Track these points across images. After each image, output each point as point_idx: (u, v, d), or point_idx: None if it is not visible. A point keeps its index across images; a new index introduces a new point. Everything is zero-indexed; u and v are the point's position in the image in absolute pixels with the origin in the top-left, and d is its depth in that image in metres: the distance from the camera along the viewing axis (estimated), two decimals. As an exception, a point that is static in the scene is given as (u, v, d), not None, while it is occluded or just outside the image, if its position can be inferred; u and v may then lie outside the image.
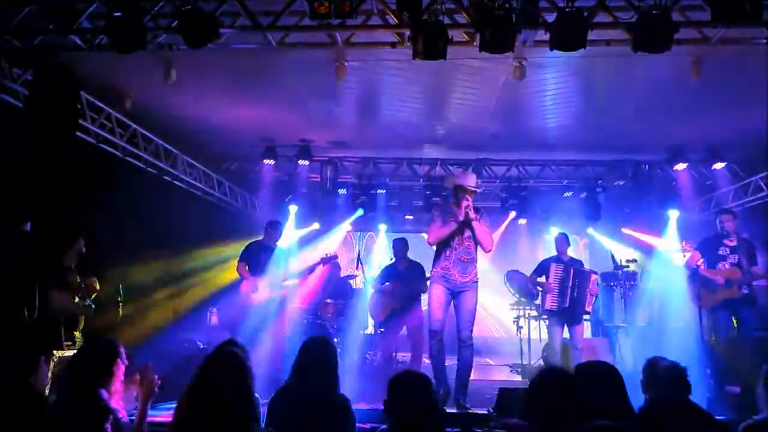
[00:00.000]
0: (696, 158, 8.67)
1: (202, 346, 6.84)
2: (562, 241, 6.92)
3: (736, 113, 6.92)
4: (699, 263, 6.06)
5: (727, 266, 5.91)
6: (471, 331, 5.35)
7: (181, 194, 8.55)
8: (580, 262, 7.10)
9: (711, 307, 5.91)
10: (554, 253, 6.95)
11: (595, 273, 6.78)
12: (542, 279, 6.82)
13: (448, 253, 5.31)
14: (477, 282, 5.37)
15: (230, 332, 6.32)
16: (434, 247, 5.47)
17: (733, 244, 5.94)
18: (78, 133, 6.35)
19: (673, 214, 9.21)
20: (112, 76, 6.27)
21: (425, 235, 5.56)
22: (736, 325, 5.81)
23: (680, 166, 8.64)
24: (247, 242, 6.99)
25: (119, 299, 5.97)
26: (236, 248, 7.39)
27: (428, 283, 5.71)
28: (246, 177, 9.90)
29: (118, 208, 6.87)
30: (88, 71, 5.95)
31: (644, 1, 4.40)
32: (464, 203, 5.19)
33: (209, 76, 6.25)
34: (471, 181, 5.39)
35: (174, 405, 2.75)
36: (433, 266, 5.44)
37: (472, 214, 5.19)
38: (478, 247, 5.36)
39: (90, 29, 5.09)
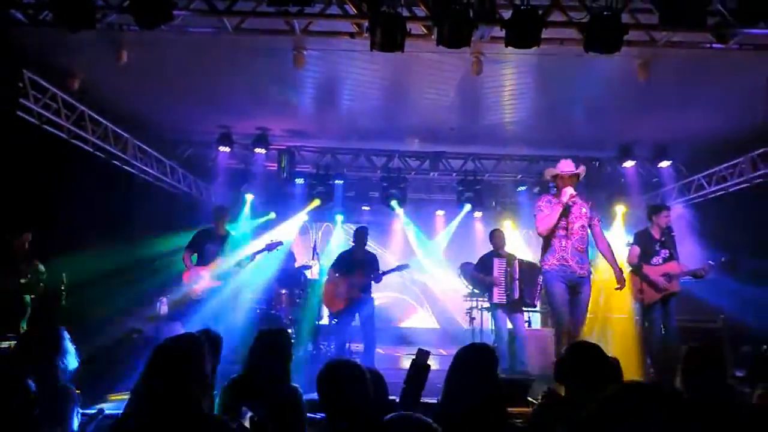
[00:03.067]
0: (643, 156, 8.99)
1: (150, 336, 6.68)
2: (500, 237, 7.04)
3: (683, 114, 7.21)
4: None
5: (660, 260, 6.14)
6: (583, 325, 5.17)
7: (131, 180, 8.30)
8: (514, 256, 7.23)
9: (653, 301, 6.14)
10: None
11: None
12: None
13: (564, 243, 5.03)
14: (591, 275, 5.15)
15: (180, 323, 6.23)
16: (542, 240, 5.20)
17: (664, 239, 6.19)
18: (19, 113, 6.09)
19: (620, 210, 9.53)
20: (58, 55, 6.01)
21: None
22: (665, 316, 6.08)
23: (628, 164, 8.95)
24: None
25: (62, 288, 5.79)
26: (189, 237, 7.25)
27: (541, 278, 5.44)
28: (200, 164, 9.69)
29: (63, 194, 6.63)
30: (31, 48, 5.70)
31: (597, 2, 4.52)
32: (566, 189, 5.02)
33: (163, 58, 6.07)
34: (567, 166, 5.19)
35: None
36: (545, 259, 5.12)
37: (568, 199, 4.98)
38: None
39: (32, 3, 4.87)
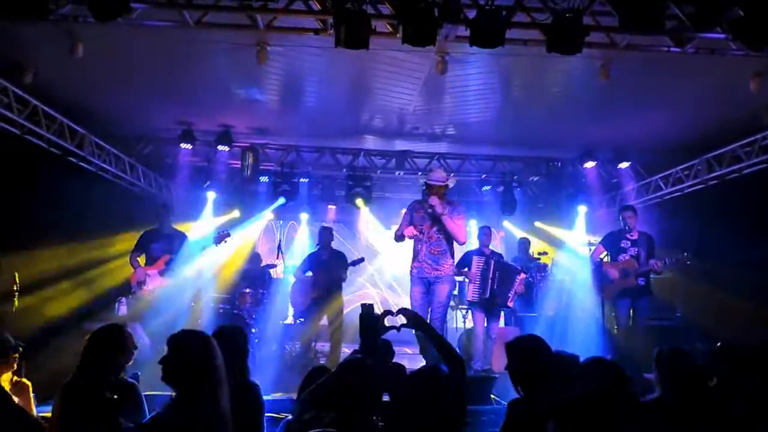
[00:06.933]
0: (604, 157, 9.17)
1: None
2: (485, 234, 7.13)
3: (641, 116, 7.37)
4: (602, 256, 6.43)
5: (627, 258, 6.31)
6: (442, 321, 5.62)
7: (88, 177, 8.02)
8: (500, 255, 7.36)
9: (612, 297, 6.30)
10: (474, 244, 7.16)
11: (524, 272, 7.03)
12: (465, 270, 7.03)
13: (419, 247, 5.56)
14: (451, 275, 5.62)
15: (140, 323, 6.07)
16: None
17: (634, 237, 6.36)
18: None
19: (582, 210, 9.72)
20: (9, 47, 5.77)
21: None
22: (632, 315, 6.22)
23: (589, 164, 9.12)
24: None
25: (15, 289, 5.58)
26: (148, 236, 7.08)
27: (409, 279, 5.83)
28: (161, 161, 9.46)
29: (16, 191, 6.37)
30: (-20, 40, 5.48)
31: (559, 4, 4.57)
32: (429, 199, 5.43)
33: (121, 52, 5.89)
34: (434, 176, 5.60)
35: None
36: (411, 263, 5.67)
37: (438, 209, 5.38)
38: (453, 241, 5.59)
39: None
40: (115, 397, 2.82)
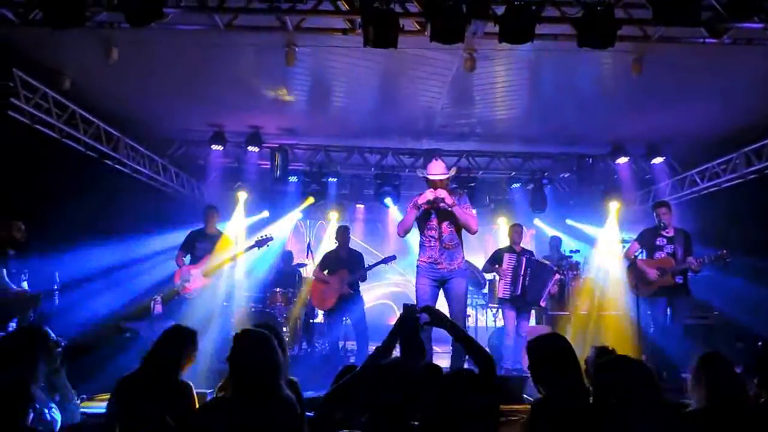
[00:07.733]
0: (637, 152, 8.98)
1: (145, 336, 6.65)
2: (516, 232, 7.09)
3: (675, 110, 7.20)
4: (637, 254, 6.29)
5: (663, 256, 6.16)
6: (464, 320, 5.34)
7: (123, 179, 8.23)
8: (531, 252, 7.30)
9: (648, 295, 6.16)
10: (504, 242, 7.12)
11: (558, 273, 6.96)
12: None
13: (432, 242, 5.22)
14: (465, 270, 5.32)
15: (175, 322, 6.20)
16: (418, 238, 5.38)
17: (670, 234, 6.20)
18: (10, 113, 6.03)
19: (614, 206, 9.53)
20: (48, 54, 5.96)
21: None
22: (668, 313, 6.08)
23: (622, 160, 8.92)
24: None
25: (55, 287, 5.75)
26: (182, 236, 7.22)
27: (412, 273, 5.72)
28: (193, 162, 9.63)
29: (55, 193, 6.58)
30: (21, 47, 5.66)
31: (590, -3, 4.51)
32: (426, 192, 5.13)
33: (154, 56, 6.02)
34: (432, 169, 5.27)
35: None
36: (419, 255, 5.34)
37: (448, 201, 5.06)
38: (462, 233, 5.30)
39: (22, 2, 4.82)
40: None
